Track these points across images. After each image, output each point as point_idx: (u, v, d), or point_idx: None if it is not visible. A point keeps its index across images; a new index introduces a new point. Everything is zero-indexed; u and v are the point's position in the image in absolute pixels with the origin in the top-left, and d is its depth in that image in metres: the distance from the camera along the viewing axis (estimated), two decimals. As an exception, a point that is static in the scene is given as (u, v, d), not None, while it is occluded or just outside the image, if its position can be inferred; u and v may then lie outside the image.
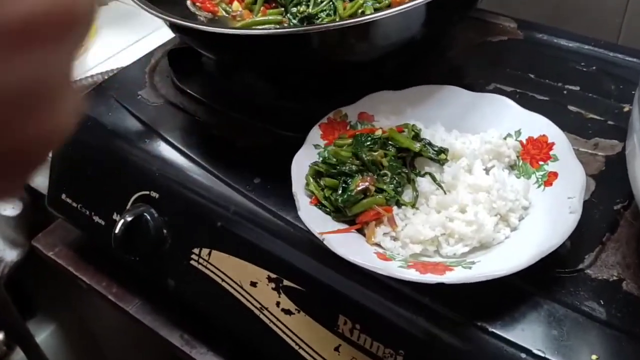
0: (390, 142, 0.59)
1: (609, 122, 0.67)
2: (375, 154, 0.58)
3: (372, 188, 0.55)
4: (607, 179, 0.61)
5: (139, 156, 0.71)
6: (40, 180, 0.95)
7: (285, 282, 0.59)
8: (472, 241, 0.54)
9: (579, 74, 0.74)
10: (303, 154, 0.61)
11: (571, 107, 0.69)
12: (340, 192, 0.56)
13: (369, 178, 0.56)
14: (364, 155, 0.58)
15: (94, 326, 1.15)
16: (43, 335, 1.21)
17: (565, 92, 0.72)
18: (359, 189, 0.55)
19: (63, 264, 0.80)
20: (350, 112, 0.65)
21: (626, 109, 0.68)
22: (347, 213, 0.56)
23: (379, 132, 0.60)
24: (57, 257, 0.81)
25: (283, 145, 0.65)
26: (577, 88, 0.72)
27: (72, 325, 1.23)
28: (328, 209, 0.57)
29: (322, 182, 0.58)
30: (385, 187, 0.56)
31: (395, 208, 0.56)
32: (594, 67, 0.74)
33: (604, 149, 0.64)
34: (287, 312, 0.59)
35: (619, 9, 0.87)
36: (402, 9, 0.58)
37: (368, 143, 0.59)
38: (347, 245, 0.53)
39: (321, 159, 0.60)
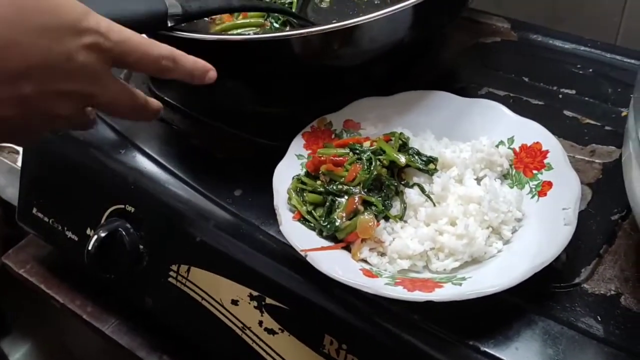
0: (380, 155, 0.59)
1: (606, 128, 0.67)
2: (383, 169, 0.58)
3: (361, 208, 0.55)
4: (605, 188, 0.61)
5: (114, 168, 0.71)
6: (11, 193, 0.94)
7: (268, 300, 0.59)
8: (463, 255, 0.54)
9: (575, 77, 0.74)
10: (285, 165, 0.61)
11: (567, 112, 0.69)
12: (325, 216, 0.56)
13: (357, 197, 0.56)
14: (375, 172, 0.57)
15: (70, 345, 1.14)
16: (17, 354, 1.21)
17: (560, 96, 0.72)
18: (345, 214, 0.55)
19: (35, 281, 0.80)
20: (335, 119, 0.65)
21: (624, 114, 0.68)
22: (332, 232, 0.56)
23: (367, 144, 0.60)
24: (28, 275, 0.81)
25: (265, 155, 0.65)
26: (573, 92, 0.72)
27: (48, 344, 1.23)
28: (312, 224, 0.56)
29: (305, 196, 0.58)
30: (374, 200, 0.56)
31: (382, 222, 0.56)
32: (590, 70, 0.75)
33: (601, 156, 0.64)
34: (271, 331, 0.59)
35: (617, 8, 0.88)
36: (388, 12, 0.58)
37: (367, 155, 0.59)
38: (332, 261, 0.53)
39: (305, 170, 0.60)
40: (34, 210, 0.77)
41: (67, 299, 0.77)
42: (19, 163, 0.91)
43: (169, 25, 0.59)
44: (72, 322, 0.79)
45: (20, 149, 0.92)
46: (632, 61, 0.74)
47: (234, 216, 0.63)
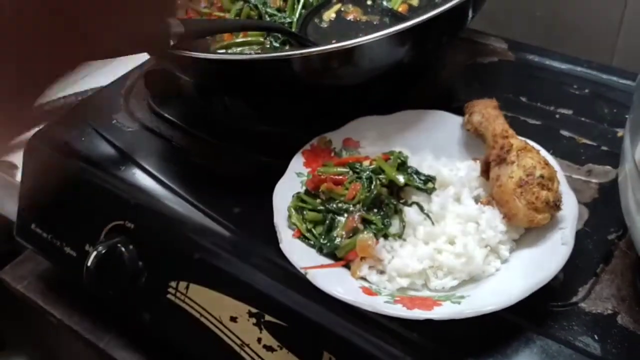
0: (380, 174, 0.60)
1: (603, 148, 0.68)
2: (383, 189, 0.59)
3: (361, 227, 0.56)
4: (601, 207, 0.62)
5: (113, 184, 0.71)
6: (9, 207, 0.94)
7: (267, 317, 0.59)
8: (462, 274, 0.54)
9: (571, 97, 0.75)
10: (285, 182, 0.61)
11: (564, 132, 0.70)
12: (325, 234, 0.57)
13: (356, 216, 0.57)
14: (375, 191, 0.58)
15: (66, 362, 1.14)
16: (11, 371, 1.20)
17: (557, 116, 0.73)
18: (344, 233, 0.56)
19: (32, 297, 0.80)
20: (334, 138, 0.66)
21: (620, 134, 0.69)
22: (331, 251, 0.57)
23: (366, 163, 0.61)
24: (25, 291, 0.81)
25: (264, 173, 0.66)
26: (570, 112, 0.73)
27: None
28: (312, 242, 0.57)
29: (305, 214, 0.58)
30: (374, 218, 0.57)
31: (381, 240, 0.56)
32: (587, 90, 0.76)
33: (597, 176, 0.65)
34: (269, 348, 0.59)
35: (613, 29, 0.89)
36: (387, 33, 0.59)
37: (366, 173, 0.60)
38: (332, 279, 0.53)
39: (305, 188, 0.61)
40: (33, 226, 0.77)
41: (65, 315, 0.77)
42: (17, 178, 0.91)
43: (171, 43, 0.60)
44: (68, 338, 0.79)
45: (19, 164, 0.92)
46: (628, 82, 0.75)
47: (233, 233, 0.64)
